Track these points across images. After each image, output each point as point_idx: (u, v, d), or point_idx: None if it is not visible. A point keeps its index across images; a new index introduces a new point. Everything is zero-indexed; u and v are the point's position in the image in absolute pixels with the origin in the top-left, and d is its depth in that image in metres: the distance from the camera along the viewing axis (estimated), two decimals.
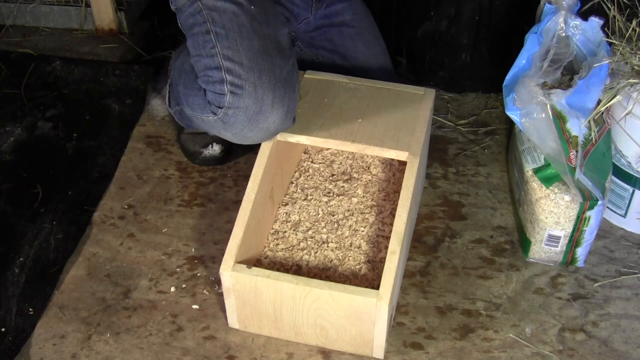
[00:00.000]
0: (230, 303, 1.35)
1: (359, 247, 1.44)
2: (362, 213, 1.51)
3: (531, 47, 1.49)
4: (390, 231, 1.35)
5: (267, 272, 1.28)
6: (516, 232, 1.60)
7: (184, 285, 1.49)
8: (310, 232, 1.47)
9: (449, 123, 1.90)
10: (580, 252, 1.49)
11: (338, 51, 1.68)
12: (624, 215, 1.59)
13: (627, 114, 1.46)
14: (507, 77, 1.49)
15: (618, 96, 1.44)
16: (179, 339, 1.38)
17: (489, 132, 1.88)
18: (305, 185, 1.58)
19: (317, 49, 1.70)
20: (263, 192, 1.40)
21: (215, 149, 1.71)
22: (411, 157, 1.40)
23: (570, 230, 1.45)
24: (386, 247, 1.35)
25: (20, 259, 1.54)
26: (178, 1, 1.50)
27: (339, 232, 1.47)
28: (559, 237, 1.47)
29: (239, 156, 1.76)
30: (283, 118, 1.36)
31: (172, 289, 1.48)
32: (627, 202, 1.57)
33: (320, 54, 1.70)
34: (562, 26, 1.50)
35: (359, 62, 1.68)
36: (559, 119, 1.40)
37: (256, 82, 1.35)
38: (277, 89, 1.35)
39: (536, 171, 1.46)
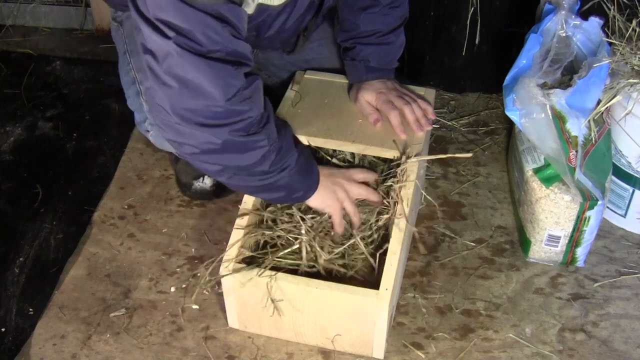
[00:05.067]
0: (230, 303, 1.35)
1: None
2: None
3: (531, 47, 1.49)
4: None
5: (267, 272, 1.28)
6: (516, 232, 1.60)
7: (184, 285, 1.49)
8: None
9: (449, 123, 1.90)
10: (580, 252, 1.49)
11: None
12: (624, 215, 1.59)
13: (627, 114, 1.46)
14: (507, 77, 1.49)
15: (618, 96, 1.44)
16: (179, 339, 1.38)
17: (489, 132, 1.88)
18: None
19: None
20: None
21: (206, 182, 1.65)
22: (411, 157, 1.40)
23: (570, 230, 1.45)
24: (386, 247, 1.35)
25: (20, 259, 1.54)
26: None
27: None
28: (559, 237, 1.47)
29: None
30: None
31: (172, 289, 1.48)
32: (627, 202, 1.57)
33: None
34: (562, 26, 1.50)
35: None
36: (559, 119, 1.40)
37: None
38: None
39: (536, 171, 1.46)
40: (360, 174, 1.43)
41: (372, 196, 1.41)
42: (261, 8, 1.30)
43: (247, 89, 1.19)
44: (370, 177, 1.44)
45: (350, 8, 1.51)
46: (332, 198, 1.37)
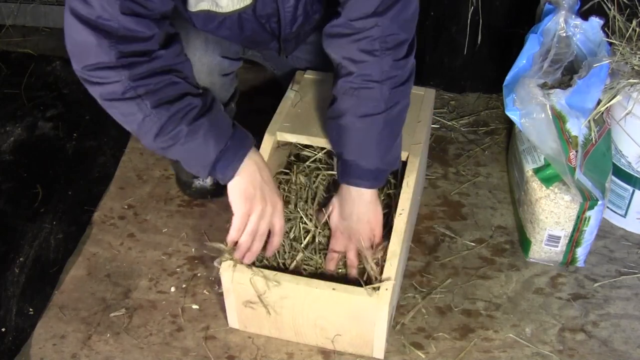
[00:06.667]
0: (230, 303, 1.35)
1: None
2: None
3: (531, 47, 1.49)
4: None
5: (267, 272, 1.28)
6: (516, 232, 1.60)
7: (184, 285, 1.49)
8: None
9: (449, 123, 1.90)
10: (580, 252, 1.49)
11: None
12: (624, 215, 1.59)
13: (627, 114, 1.46)
14: (507, 77, 1.49)
15: (618, 96, 1.44)
16: (179, 339, 1.38)
17: (489, 132, 1.88)
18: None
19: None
20: None
21: (207, 180, 1.65)
22: (411, 157, 1.40)
23: (570, 230, 1.45)
24: (386, 247, 1.35)
25: (20, 259, 1.54)
26: None
27: None
28: (559, 237, 1.47)
29: None
30: None
31: (172, 289, 1.48)
32: (627, 202, 1.57)
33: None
34: (563, 26, 1.50)
35: None
36: (559, 119, 1.40)
37: None
38: None
39: (536, 171, 1.46)
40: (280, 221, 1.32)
41: (275, 240, 1.32)
42: (208, 15, 1.32)
43: (115, 62, 1.16)
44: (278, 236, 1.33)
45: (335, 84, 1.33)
46: (247, 198, 1.27)
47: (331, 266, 1.38)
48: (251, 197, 1.27)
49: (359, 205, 1.34)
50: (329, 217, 1.40)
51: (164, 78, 1.20)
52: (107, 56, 1.15)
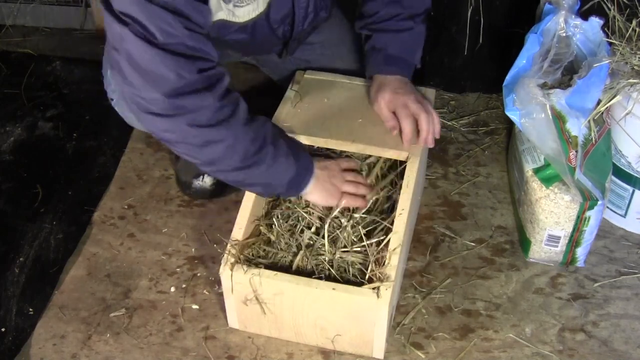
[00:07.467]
0: (230, 303, 1.35)
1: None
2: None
3: (531, 47, 1.49)
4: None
5: (267, 272, 1.28)
6: (516, 232, 1.60)
7: (184, 285, 1.49)
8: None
9: (449, 123, 1.90)
10: (580, 252, 1.49)
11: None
12: (624, 215, 1.59)
13: (627, 114, 1.46)
14: (507, 77, 1.49)
15: (618, 96, 1.44)
16: (179, 339, 1.38)
17: (489, 132, 1.88)
18: None
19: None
20: None
21: (206, 180, 1.64)
22: (411, 157, 1.40)
23: (570, 230, 1.45)
24: (386, 248, 1.35)
25: (20, 259, 1.54)
26: None
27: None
28: (559, 237, 1.47)
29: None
30: None
31: (172, 289, 1.48)
32: (627, 202, 1.57)
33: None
34: (562, 26, 1.50)
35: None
36: (559, 119, 1.40)
37: None
38: None
39: (536, 171, 1.46)
40: (346, 163, 1.45)
41: (359, 198, 1.42)
42: (224, 24, 1.33)
43: (198, 81, 1.17)
44: (354, 164, 1.47)
45: None
46: (331, 194, 1.39)
47: (394, 131, 1.43)
48: (331, 194, 1.39)
49: (406, 84, 1.45)
50: (380, 102, 1.45)
51: (234, 95, 1.24)
52: (189, 75, 1.15)
